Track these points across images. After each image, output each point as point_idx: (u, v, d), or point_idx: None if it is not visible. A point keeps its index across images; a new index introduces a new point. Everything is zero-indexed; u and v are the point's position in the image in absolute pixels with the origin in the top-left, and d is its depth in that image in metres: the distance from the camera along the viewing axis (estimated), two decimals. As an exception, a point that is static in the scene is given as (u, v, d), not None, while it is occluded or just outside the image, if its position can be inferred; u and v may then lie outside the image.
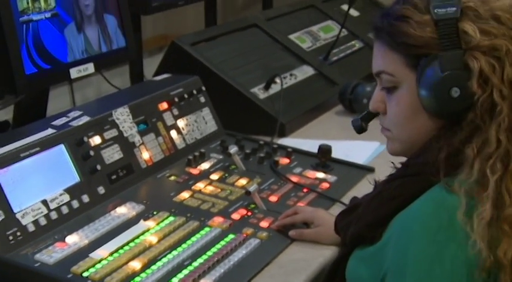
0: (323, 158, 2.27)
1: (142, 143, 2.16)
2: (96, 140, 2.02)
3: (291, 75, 2.92)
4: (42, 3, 2.10)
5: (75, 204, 1.89)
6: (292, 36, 3.20)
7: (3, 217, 1.72)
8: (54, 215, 1.83)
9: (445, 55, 1.31)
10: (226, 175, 2.19)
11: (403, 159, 1.46)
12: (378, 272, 1.34)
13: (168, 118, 2.29)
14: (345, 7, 3.58)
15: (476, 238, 1.23)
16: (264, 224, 1.91)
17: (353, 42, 3.43)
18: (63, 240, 1.77)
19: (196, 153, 2.27)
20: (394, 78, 1.39)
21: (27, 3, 2.04)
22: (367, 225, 1.40)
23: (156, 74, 2.70)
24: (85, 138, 1.98)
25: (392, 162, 1.51)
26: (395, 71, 1.38)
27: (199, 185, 2.11)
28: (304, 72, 3.01)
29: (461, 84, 1.30)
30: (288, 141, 2.53)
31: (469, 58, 1.30)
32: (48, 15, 2.12)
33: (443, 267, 1.24)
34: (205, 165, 2.25)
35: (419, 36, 1.33)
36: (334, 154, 2.30)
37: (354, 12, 3.49)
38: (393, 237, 1.33)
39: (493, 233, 1.23)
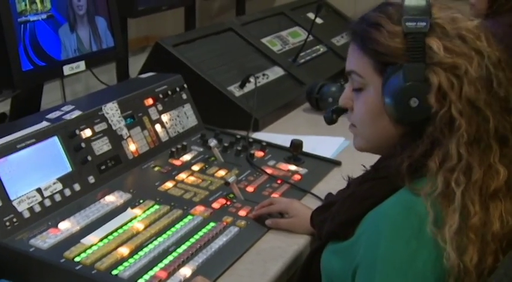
0: (295, 152, 2.18)
1: (130, 136, 2.06)
2: (87, 133, 1.92)
3: (263, 75, 2.84)
4: (39, 5, 2.00)
5: (67, 192, 1.79)
6: (264, 40, 3.12)
7: (0, 204, 1.62)
8: (48, 203, 1.73)
9: (409, 66, 1.24)
10: (207, 166, 2.10)
11: (365, 154, 1.39)
12: (349, 264, 1.27)
13: (153, 113, 2.19)
14: (310, 15, 3.53)
15: (448, 249, 1.15)
16: (242, 213, 1.83)
17: (318, 46, 3.34)
18: (56, 226, 1.67)
19: (179, 146, 2.18)
20: (362, 80, 1.32)
21: (25, 5, 1.95)
22: (341, 224, 1.33)
23: (141, 72, 2.61)
24: (77, 131, 1.89)
25: (363, 166, 1.43)
26: (364, 73, 1.31)
27: (182, 176, 2.02)
28: (275, 72, 2.93)
29: (420, 95, 1.23)
30: (261, 136, 2.45)
31: (430, 72, 1.23)
32: (44, 16, 2.02)
33: (414, 269, 1.17)
34: (187, 157, 2.15)
35: (388, 45, 1.26)
36: (303, 148, 2.21)
37: (318, 20, 3.41)
38: (364, 234, 1.26)
39: (460, 241, 1.16)
